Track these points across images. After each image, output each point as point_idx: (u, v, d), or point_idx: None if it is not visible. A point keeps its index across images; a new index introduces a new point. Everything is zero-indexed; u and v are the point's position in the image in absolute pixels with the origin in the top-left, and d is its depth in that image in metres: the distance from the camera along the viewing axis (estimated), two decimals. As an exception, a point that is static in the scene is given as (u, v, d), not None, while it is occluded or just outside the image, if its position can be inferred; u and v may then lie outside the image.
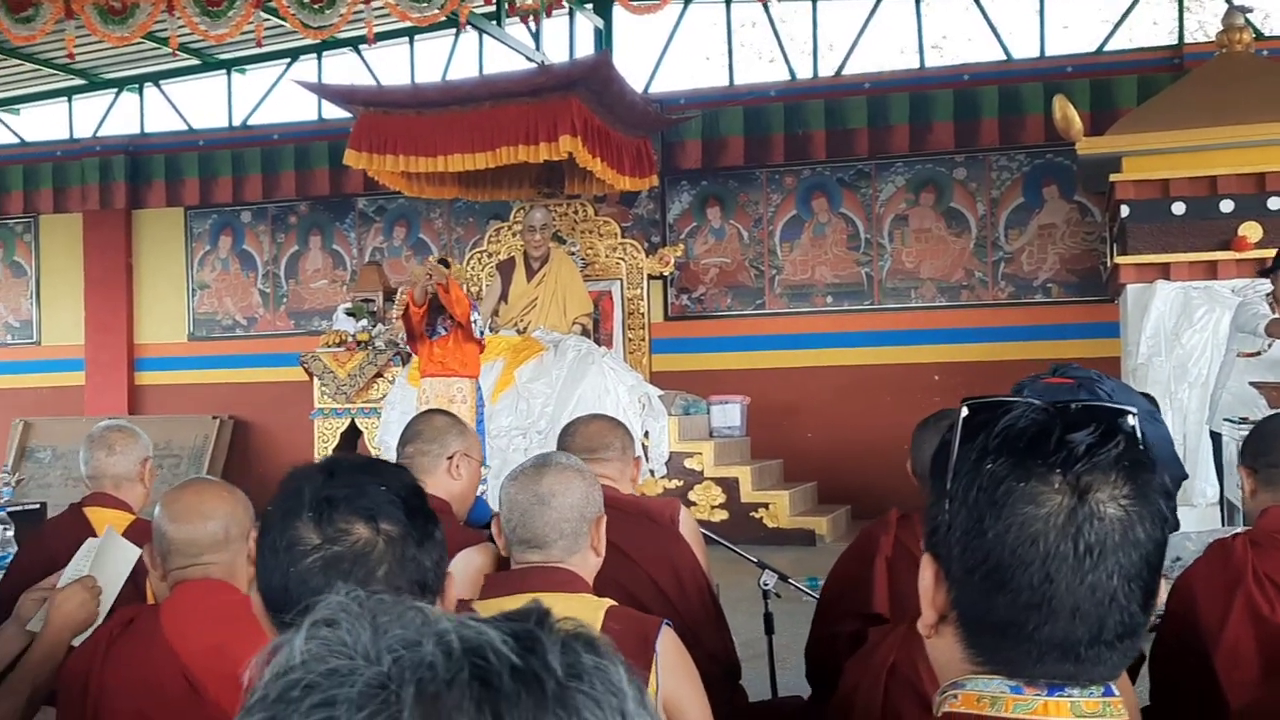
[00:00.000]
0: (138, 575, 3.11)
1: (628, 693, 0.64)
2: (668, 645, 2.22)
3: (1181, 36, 10.63)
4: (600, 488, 2.48)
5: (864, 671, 2.15)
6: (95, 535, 3.27)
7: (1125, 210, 8.16)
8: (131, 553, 3.01)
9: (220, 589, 2.38)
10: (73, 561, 3.01)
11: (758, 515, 9.28)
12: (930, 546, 1.12)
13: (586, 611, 2.25)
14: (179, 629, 2.29)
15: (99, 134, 13.51)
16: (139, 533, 3.34)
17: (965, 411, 1.10)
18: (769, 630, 3.76)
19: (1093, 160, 8.48)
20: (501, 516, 2.38)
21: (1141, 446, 1.07)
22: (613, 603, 2.32)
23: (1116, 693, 1.10)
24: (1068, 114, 8.13)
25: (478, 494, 3.46)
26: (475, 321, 7.88)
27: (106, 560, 2.99)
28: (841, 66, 11.43)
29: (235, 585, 2.43)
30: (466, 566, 2.90)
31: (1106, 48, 10.85)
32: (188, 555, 2.38)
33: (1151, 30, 11.14)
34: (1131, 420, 1.08)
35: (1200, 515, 7.06)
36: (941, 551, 1.10)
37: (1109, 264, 9.33)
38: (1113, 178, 8.32)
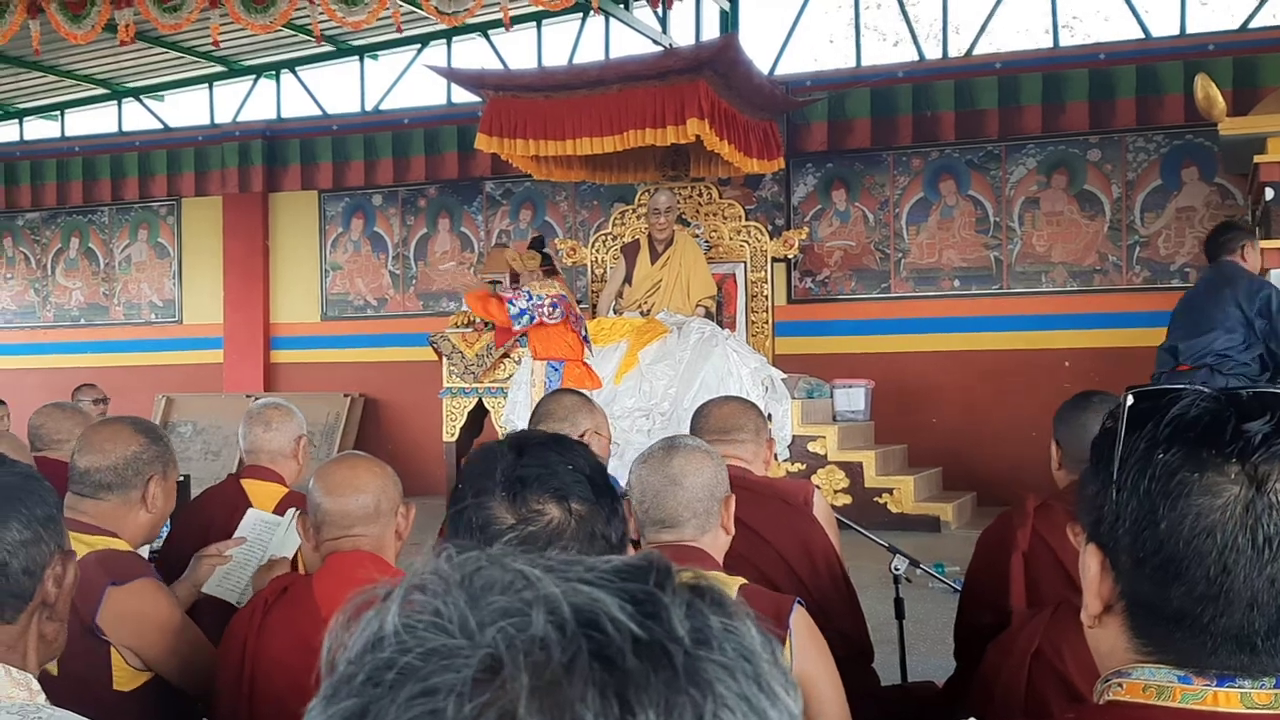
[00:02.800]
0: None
1: (761, 654, 0.58)
2: (800, 624, 2.25)
3: (1332, 11, 10.22)
4: (726, 468, 2.52)
5: (1007, 655, 2.15)
6: (251, 504, 3.43)
7: (1270, 193, 7.89)
8: (288, 526, 3.17)
9: (370, 560, 2.47)
10: (241, 530, 3.17)
11: (881, 500, 9.21)
12: (1095, 536, 1.12)
13: None
14: (330, 597, 2.39)
15: (238, 119, 13.93)
16: (293, 504, 3.49)
17: (1130, 399, 1.10)
18: (899, 615, 3.76)
19: (1235, 141, 8.22)
20: (633, 498, 2.42)
21: None
22: (744, 581, 2.36)
23: (1289, 685, 1.09)
24: (1210, 93, 7.88)
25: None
26: (519, 318, 8.26)
27: (270, 537, 3.16)
28: (972, 47, 11.23)
29: (384, 558, 2.53)
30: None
31: (1251, 24, 10.47)
32: (340, 526, 2.48)
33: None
34: None
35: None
36: (1108, 542, 1.10)
37: (1251, 248, 9.02)
38: (1257, 159, 8.06)
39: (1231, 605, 1.04)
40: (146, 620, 2.63)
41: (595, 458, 1.70)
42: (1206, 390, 1.08)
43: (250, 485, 3.54)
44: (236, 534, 3.16)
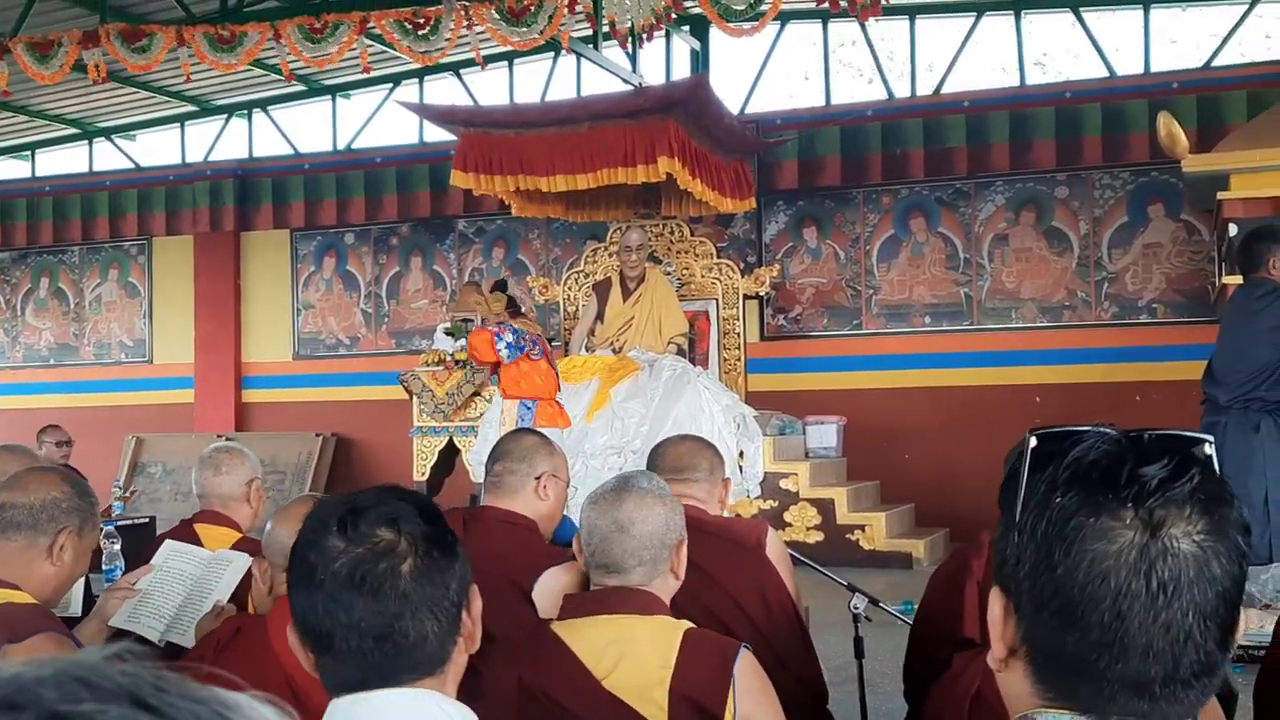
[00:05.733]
0: (239, 591, 3.22)
1: None
2: (746, 669, 2.23)
3: (1294, 50, 10.34)
4: (682, 511, 2.48)
5: (949, 698, 2.13)
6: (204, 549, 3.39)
7: (1233, 228, 7.95)
8: (219, 559, 3.13)
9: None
10: (156, 562, 3.12)
11: (854, 537, 9.20)
12: (999, 580, 1.11)
13: (664, 633, 2.26)
14: (285, 638, 2.36)
15: (210, 159, 13.92)
16: (245, 551, 3.45)
17: (1033, 442, 1.09)
18: (859, 654, 3.73)
19: (1200, 178, 8.28)
20: (581, 538, 2.40)
21: (1217, 477, 1.05)
22: (690, 625, 2.33)
23: (1194, 731, 1.07)
24: (1172, 131, 7.94)
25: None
26: (510, 351, 8.26)
27: (183, 563, 3.12)
28: (940, 85, 11.32)
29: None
30: (552, 585, 2.93)
31: (1214, 63, 10.59)
32: None
33: (1263, 44, 10.85)
34: (1208, 449, 1.06)
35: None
36: (1011, 585, 1.09)
37: (1217, 284, 9.10)
38: (1220, 195, 8.11)
39: (1127, 652, 1.02)
40: None
41: (429, 500, 1.71)
42: (1110, 432, 1.07)
43: (204, 530, 3.50)
44: (156, 563, 3.13)
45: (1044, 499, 1.05)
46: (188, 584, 3.10)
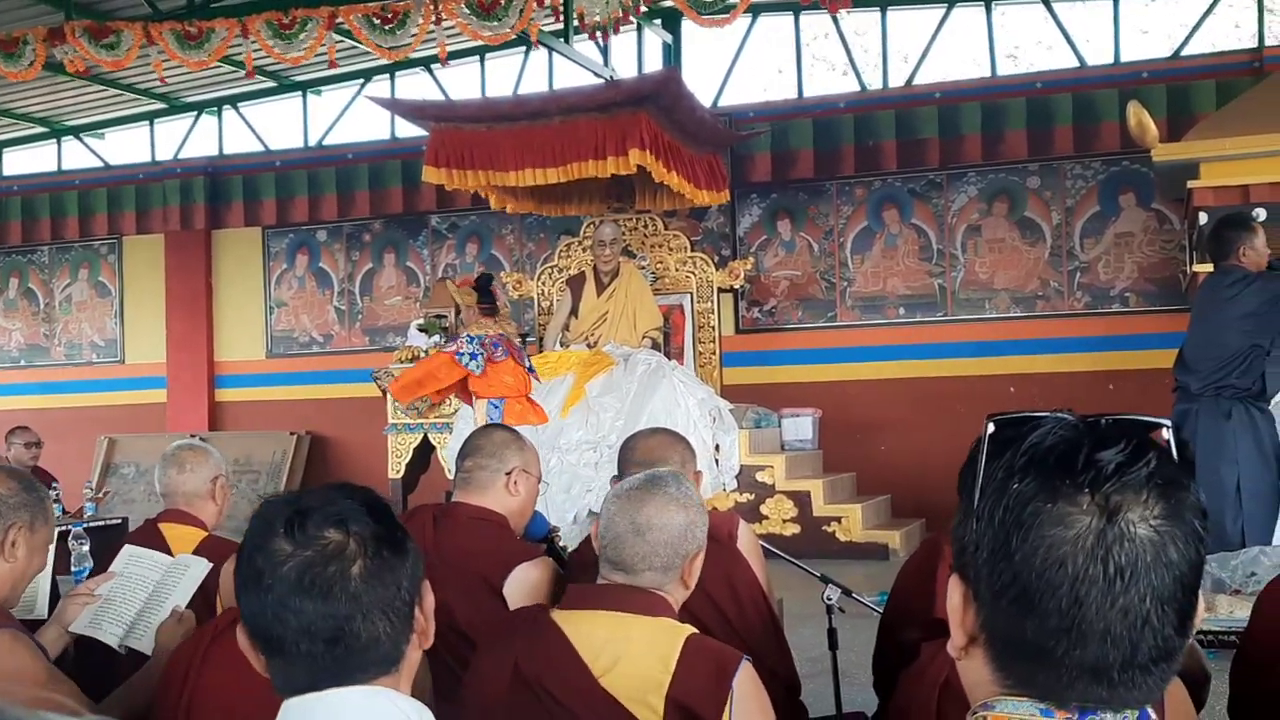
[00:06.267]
0: (207, 589, 3.19)
1: None
2: (745, 681, 2.18)
3: (1262, 39, 10.39)
4: (706, 520, 2.42)
5: (917, 687, 2.13)
6: (170, 550, 3.36)
7: (1204, 217, 7.99)
8: (179, 565, 3.10)
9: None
10: (115, 566, 3.09)
11: (830, 529, 9.21)
12: (958, 567, 1.10)
13: (665, 637, 2.22)
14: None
15: (180, 156, 13.82)
16: (210, 549, 3.43)
17: (991, 428, 1.08)
18: (833, 645, 3.73)
19: (1170, 167, 8.32)
20: (599, 529, 2.36)
21: (1176, 461, 1.04)
22: (693, 630, 2.28)
23: (1153, 716, 1.07)
24: (1142, 120, 7.97)
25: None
26: (472, 361, 8.21)
27: (142, 569, 3.08)
28: (912, 76, 11.34)
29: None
30: (524, 581, 2.91)
31: (1184, 52, 10.64)
32: None
33: (1232, 34, 10.90)
34: (1166, 434, 1.05)
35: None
36: (969, 573, 1.08)
37: (1188, 272, 9.14)
38: (1190, 184, 8.16)
39: (1085, 638, 1.01)
40: (5, 677, 2.54)
41: (378, 495, 1.67)
42: (1067, 418, 1.06)
43: (168, 529, 3.47)
44: (116, 568, 3.09)
45: (1001, 485, 1.04)
46: (148, 589, 3.07)
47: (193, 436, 11.16)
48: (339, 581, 1.52)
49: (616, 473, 3.28)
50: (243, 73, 11.57)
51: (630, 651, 2.19)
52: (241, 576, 1.58)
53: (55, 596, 3.58)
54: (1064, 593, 1.01)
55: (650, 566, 2.29)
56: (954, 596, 1.10)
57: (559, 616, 2.29)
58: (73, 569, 4.54)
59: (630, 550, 2.28)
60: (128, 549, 3.19)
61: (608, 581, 2.32)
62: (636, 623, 2.24)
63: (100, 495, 9.10)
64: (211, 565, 3.13)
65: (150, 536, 3.46)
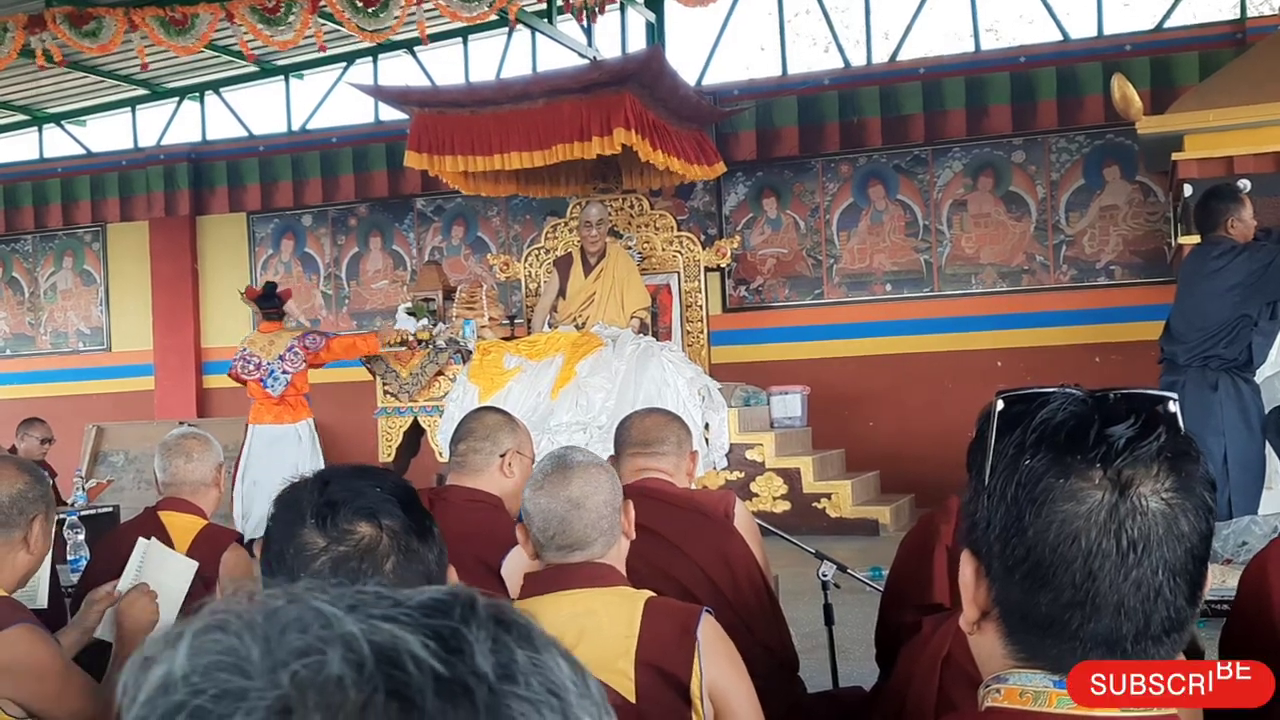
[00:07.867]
0: (208, 577, 3.20)
1: (570, 688, 0.56)
2: (709, 632, 2.25)
3: (1244, 11, 10.42)
4: (615, 471, 2.50)
5: (917, 662, 2.15)
6: (170, 538, 3.36)
7: (1188, 189, 8.02)
8: (187, 567, 3.11)
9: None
10: (129, 566, 3.09)
11: (820, 505, 9.25)
12: (969, 543, 1.12)
13: (625, 603, 2.27)
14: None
15: (162, 143, 13.74)
16: (211, 537, 3.44)
17: (1000, 404, 1.09)
18: (829, 621, 3.76)
19: (1154, 139, 8.35)
20: (534, 525, 2.36)
21: (1183, 435, 1.06)
22: (651, 594, 2.33)
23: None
24: (1126, 93, 8.00)
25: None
26: (277, 384, 8.74)
27: (160, 573, 3.08)
28: (895, 52, 11.34)
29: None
30: (520, 562, 2.92)
31: (1166, 24, 10.66)
32: None
33: (1214, 6, 10.93)
34: (1173, 407, 1.07)
35: (1273, 498, 6.92)
36: (981, 548, 1.10)
37: (1173, 244, 9.18)
38: (1175, 156, 8.19)
39: (1099, 611, 1.03)
40: (24, 671, 2.54)
41: (404, 480, 1.69)
42: (1076, 393, 1.07)
43: (169, 518, 3.47)
44: (126, 571, 3.08)
45: (1013, 461, 1.06)
46: (164, 594, 3.07)
47: (181, 424, 11.13)
48: (372, 578, 1.53)
49: (613, 453, 3.30)
50: (224, 58, 11.54)
51: (594, 624, 2.23)
52: (268, 564, 1.59)
53: (54, 585, 3.59)
54: (1078, 567, 1.03)
55: (600, 532, 2.32)
56: (966, 572, 1.12)
57: (523, 605, 2.31)
58: (69, 558, 4.55)
59: (576, 526, 2.31)
60: (143, 544, 3.18)
61: (564, 564, 2.35)
62: (596, 596, 2.28)
63: (106, 481, 9.13)
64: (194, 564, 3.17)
65: (150, 525, 3.46)
